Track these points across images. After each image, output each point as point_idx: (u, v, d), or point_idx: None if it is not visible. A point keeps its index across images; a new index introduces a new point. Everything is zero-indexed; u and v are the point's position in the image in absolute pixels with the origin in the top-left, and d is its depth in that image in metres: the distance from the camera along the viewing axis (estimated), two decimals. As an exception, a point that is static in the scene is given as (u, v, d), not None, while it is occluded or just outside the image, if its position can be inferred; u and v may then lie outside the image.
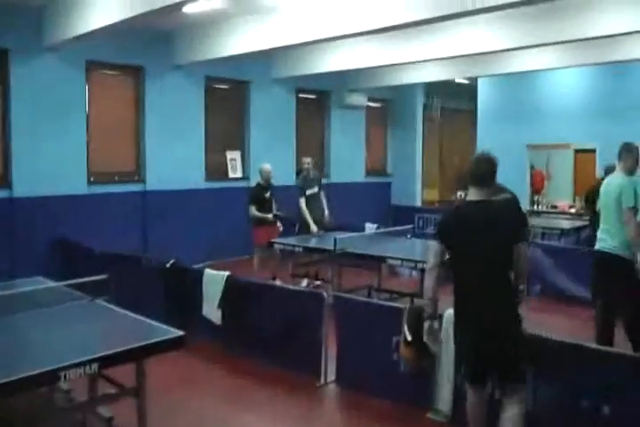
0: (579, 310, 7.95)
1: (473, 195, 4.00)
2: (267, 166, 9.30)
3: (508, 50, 9.59)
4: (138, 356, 3.88)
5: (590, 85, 13.01)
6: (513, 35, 8.73)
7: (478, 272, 3.90)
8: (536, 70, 11.86)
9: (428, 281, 4.12)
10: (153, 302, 6.63)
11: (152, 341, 3.91)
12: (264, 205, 9.03)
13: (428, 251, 4.33)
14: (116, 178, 10.05)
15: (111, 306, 4.73)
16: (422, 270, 6.99)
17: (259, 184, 9.28)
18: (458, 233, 3.98)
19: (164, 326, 4.21)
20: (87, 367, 3.48)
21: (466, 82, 15.04)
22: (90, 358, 3.52)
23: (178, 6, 6.82)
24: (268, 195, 9.16)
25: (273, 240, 8.61)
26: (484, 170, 4.00)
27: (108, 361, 3.64)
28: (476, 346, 3.89)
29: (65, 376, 3.40)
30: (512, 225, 4.02)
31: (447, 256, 4.06)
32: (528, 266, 4.16)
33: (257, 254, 9.08)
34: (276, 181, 9.48)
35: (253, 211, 8.95)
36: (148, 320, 4.37)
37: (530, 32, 8.55)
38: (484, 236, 3.87)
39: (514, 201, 5.55)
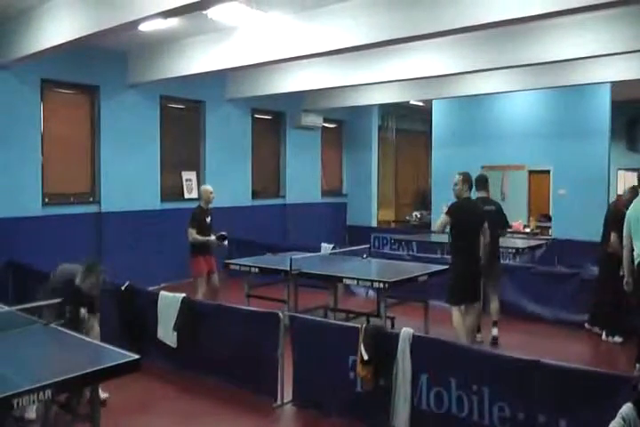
0: (533, 327, 8.14)
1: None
2: (208, 187, 8.58)
3: (461, 73, 9.82)
4: (93, 381, 3.83)
5: (544, 108, 13.28)
6: (465, 59, 8.95)
7: (473, 236, 6.89)
8: (489, 93, 12.11)
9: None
10: (108, 326, 6.54)
11: (107, 365, 3.86)
12: (204, 230, 8.21)
13: (440, 218, 6.95)
14: (72, 199, 9.94)
15: (66, 330, 4.67)
16: (378, 289, 7.11)
17: (200, 206, 8.43)
18: (464, 213, 6.83)
19: (119, 350, 4.17)
20: (41, 394, 3.41)
21: (421, 104, 15.27)
22: (43, 384, 3.44)
23: (134, 24, 6.84)
24: (208, 219, 8.35)
25: (227, 261, 8.52)
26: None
27: (62, 387, 3.58)
28: (472, 272, 6.83)
29: (18, 403, 3.32)
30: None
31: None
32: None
33: (199, 286, 8.17)
34: (231, 202, 9.43)
35: (194, 234, 8.11)
36: (103, 344, 4.33)
37: (482, 56, 8.77)
38: (478, 217, 6.98)
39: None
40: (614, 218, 7.59)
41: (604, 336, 7.69)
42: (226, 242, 8.37)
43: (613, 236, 7.46)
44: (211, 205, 8.46)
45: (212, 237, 8.21)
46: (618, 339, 7.59)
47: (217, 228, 8.44)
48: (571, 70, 9.91)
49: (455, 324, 6.75)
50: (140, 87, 10.58)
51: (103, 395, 5.13)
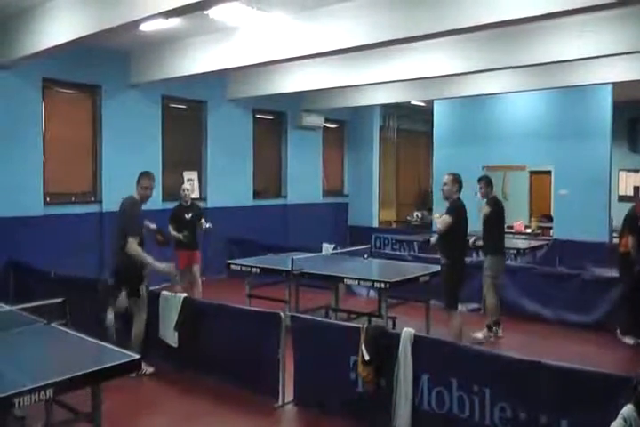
0: (535, 327, 8.13)
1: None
2: (184, 185, 9.11)
3: (463, 74, 9.81)
4: (94, 380, 3.82)
5: (546, 108, 13.23)
6: (467, 59, 8.94)
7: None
8: (490, 94, 12.10)
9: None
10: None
11: (108, 364, 3.86)
12: (183, 227, 8.52)
13: (443, 219, 6.67)
14: (73, 199, 9.95)
15: (67, 330, 4.66)
16: (379, 290, 7.11)
17: (180, 204, 8.81)
18: (463, 215, 6.74)
19: (121, 350, 4.18)
20: (42, 393, 3.41)
21: (422, 104, 15.25)
22: (44, 383, 3.45)
23: (136, 24, 6.84)
24: (189, 216, 8.62)
25: (229, 261, 8.59)
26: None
27: (63, 386, 3.57)
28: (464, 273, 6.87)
29: (19, 403, 3.32)
30: None
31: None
32: None
33: (180, 279, 8.45)
34: (232, 202, 9.40)
35: (171, 230, 8.49)
36: (104, 344, 4.33)
37: (483, 57, 8.77)
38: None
39: None
40: (631, 223, 7.84)
41: (618, 335, 7.69)
42: (208, 225, 8.64)
43: (631, 239, 7.68)
44: (203, 205, 8.58)
45: (180, 235, 8.48)
46: (629, 340, 7.57)
47: (218, 228, 8.53)
48: (572, 71, 9.89)
49: (460, 327, 6.77)
50: (142, 87, 10.58)
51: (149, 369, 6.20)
